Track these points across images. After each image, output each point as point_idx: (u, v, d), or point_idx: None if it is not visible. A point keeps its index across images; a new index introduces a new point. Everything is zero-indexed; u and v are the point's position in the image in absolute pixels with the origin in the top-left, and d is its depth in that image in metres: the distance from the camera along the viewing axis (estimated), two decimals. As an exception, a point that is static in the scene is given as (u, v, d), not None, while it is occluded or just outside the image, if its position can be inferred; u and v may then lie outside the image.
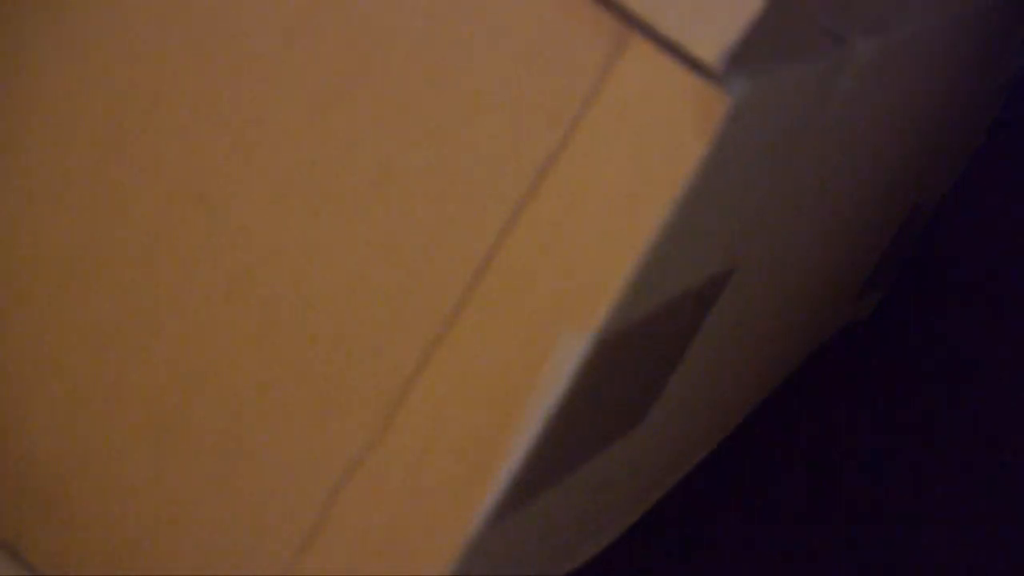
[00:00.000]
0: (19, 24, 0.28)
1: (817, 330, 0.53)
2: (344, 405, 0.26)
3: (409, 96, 0.26)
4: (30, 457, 0.28)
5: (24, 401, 0.28)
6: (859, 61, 0.32)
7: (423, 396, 0.26)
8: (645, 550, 0.59)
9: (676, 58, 0.24)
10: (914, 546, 0.59)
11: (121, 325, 0.27)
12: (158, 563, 0.27)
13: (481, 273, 0.25)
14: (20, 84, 0.28)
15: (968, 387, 0.60)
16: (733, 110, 0.24)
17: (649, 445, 0.35)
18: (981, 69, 0.52)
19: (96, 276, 0.27)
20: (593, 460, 0.30)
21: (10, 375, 0.28)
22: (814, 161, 0.34)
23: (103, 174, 0.27)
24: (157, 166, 0.27)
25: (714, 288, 0.30)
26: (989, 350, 0.60)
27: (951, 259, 0.61)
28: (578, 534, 0.35)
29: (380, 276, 0.26)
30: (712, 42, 0.24)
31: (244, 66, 0.26)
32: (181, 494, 0.27)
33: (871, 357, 0.61)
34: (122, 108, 0.27)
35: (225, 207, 0.27)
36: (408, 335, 0.26)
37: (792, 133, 0.30)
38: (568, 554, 0.35)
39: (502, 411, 0.25)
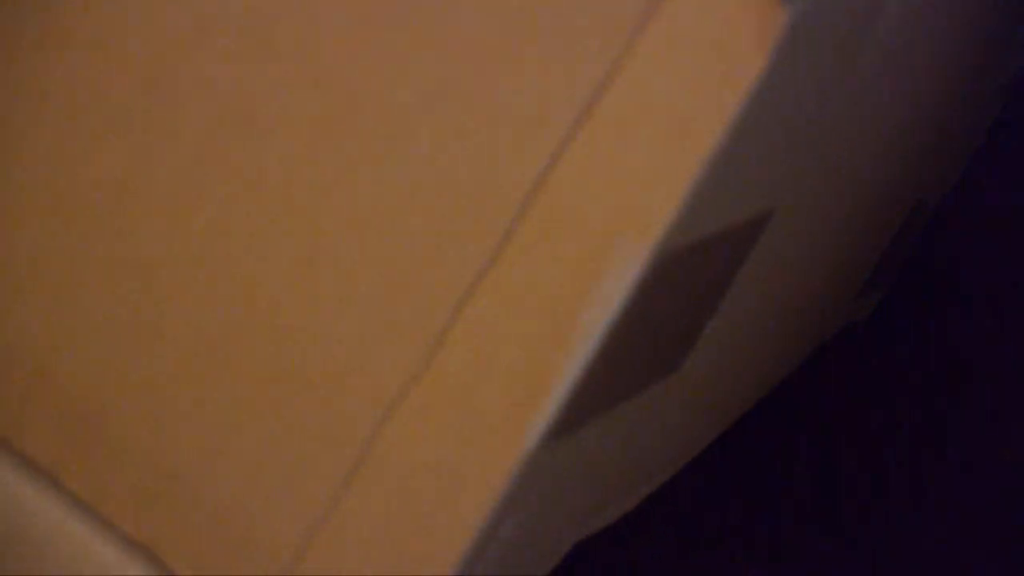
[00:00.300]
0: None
1: (821, 324, 0.53)
2: (391, 330, 0.26)
3: (459, 20, 0.26)
4: (72, 386, 0.28)
5: (66, 331, 0.28)
6: (888, 18, 0.33)
7: (473, 320, 0.26)
8: (644, 547, 0.58)
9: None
10: (914, 546, 0.59)
11: (165, 253, 0.27)
12: (199, 492, 0.27)
13: (535, 193, 0.25)
14: (60, 16, 0.28)
15: (968, 387, 0.60)
16: (790, 28, 0.24)
17: (679, 402, 0.35)
18: (981, 69, 0.53)
19: (140, 204, 0.27)
20: (632, 401, 0.30)
21: (52, 306, 0.28)
22: (842, 125, 0.34)
23: (149, 99, 0.27)
24: (205, 89, 0.27)
25: (754, 230, 0.31)
26: (989, 350, 0.60)
27: (951, 259, 0.61)
28: (608, 489, 0.35)
29: (429, 201, 0.26)
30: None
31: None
32: (223, 424, 0.27)
33: (871, 357, 0.61)
34: (165, 38, 0.27)
35: (273, 131, 0.26)
36: (459, 258, 0.26)
37: (829, 79, 0.30)
38: (597, 510, 0.35)
39: (557, 329, 0.25)
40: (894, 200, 0.50)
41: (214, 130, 0.27)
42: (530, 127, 0.25)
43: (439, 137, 0.26)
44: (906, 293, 0.61)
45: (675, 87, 0.25)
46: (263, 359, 0.26)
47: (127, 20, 0.27)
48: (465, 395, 0.25)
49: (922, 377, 0.61)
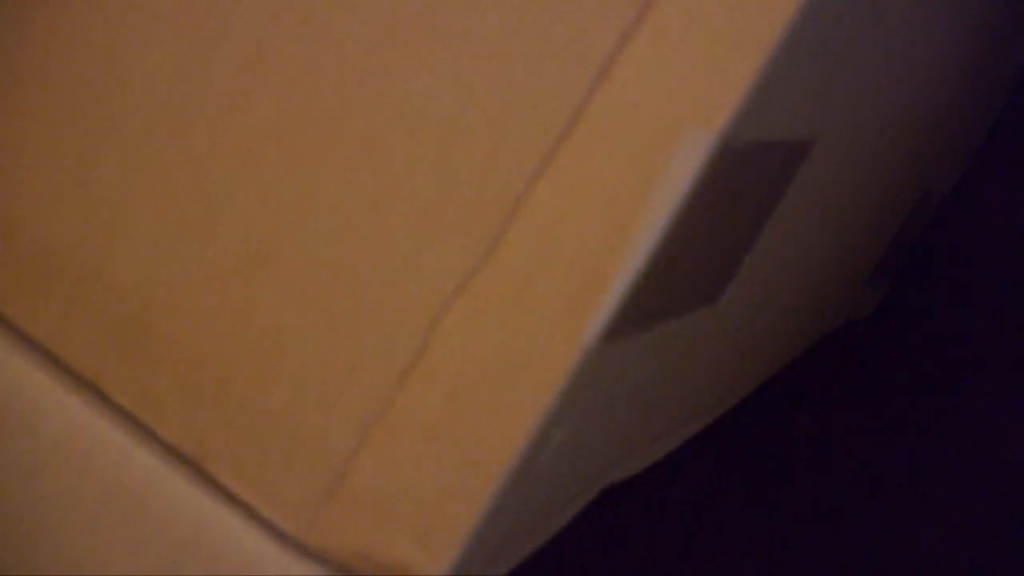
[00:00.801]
0: None
1: (826, 313, 0.53)
2: (448, 228, 0.26)
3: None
4: (118, 291, 0.27)
5: (111, 234, 0.27)
6: (891, 16, 0.33)
7: (532, 215, 0.25)
8: (645, 545, 0.58)
9: None
10: (914, 545, 0.59)
11: (217, 152, 0.27)
12: (250, 396, 0.27)
13: (596, 86, 0.25)
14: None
15: (968, 387, 0.60)
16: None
17: (712, 343, 0.35)
18: (983, 64, 0.53)
19: (193, 103, 0.27)
20: (674, 325, 0.30)
21: (100, 208, 0.27)
22: (873, 70, 0.34)
23: (198, 2, 0.27)
24: (261, -12, 0.27)
25: (798, 154, 0.31)
26: (989, 350, 0.60)
27: (951, 259, 0.61)
28: (641, 427, 0.34)
29: (487, 97, 0.26)
30: None
31: None
32: (275, 325, 0.26)
33: (871, 357, 0.61)
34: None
35: (328, 29, 0.26)
36: (518, 152, 0.25)
37: (863, 25, 0.30)
38: (627, 453, 0.35)
39: (618, 222, 0.25)
40: (903, 187, 0.50)
41: (269, 28, 0.27)
42: (590, 20, 0.25)
43: (498, 28, 0.25)
44: (906, 292, 0.62)
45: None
46: (317, 257, 0.26)
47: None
48: (524, 291, 0.25)
49: (922, 375, 0.61)
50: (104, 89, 0.27)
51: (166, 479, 0.27)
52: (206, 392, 0.27)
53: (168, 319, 0.27)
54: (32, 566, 0.27)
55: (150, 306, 0.27)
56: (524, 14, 0.25)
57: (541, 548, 0.51)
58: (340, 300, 0.26)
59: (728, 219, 0.29)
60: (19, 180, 0.28)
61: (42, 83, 0.28)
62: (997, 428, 0.60)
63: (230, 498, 0.26)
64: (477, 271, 0.25)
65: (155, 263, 0.27)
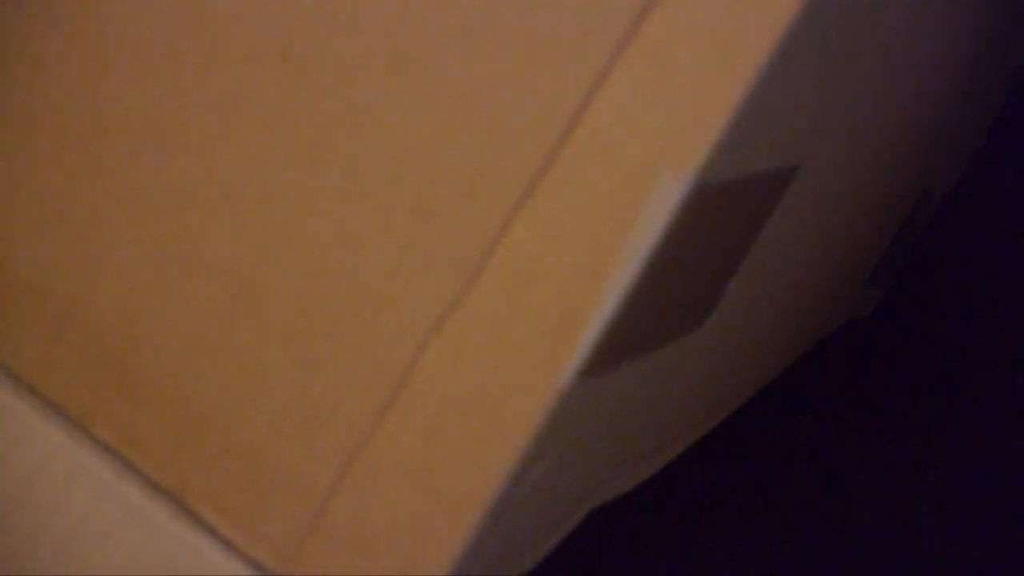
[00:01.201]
0: None
1: (824, 317, 0.53)
2: (425, 266, 0.26)
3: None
4: (100, 326, 0.27)
5: (95, 268, 0.27)
6: (890, 14, 0.33)
7: (509, 253, 0.25)
8: (645, 545, 0.58)
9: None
10: (914, 545, 0.59)
11: (198, 188, 0.27)
12: (230, 432, 0.27)
13: (573, 124, 0.25)
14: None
15: (968, 387, 0.60)
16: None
17: (698, 365, 0.35)
18: (982, 65, 0.53)
19: (173, 139, 0.27)
20: (658, 354, 0.30)
21: (82, 242, 0.27)
22: (864, 94, 0.34)
23: (181, 34, 0.27)
24: (239, 25, 0.27)
25: (780, 183, 0.30)
26: (989, 350, 0.60)
27: (951, 259, 0.61)
28: (626, 450, 0.34)
29: (464, 133, 0.26)
30: None
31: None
32: (256, 359, 0.27)
33: (871, 357, 0.61)
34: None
35: (308, 65, 0.26)
36: (495, 189, 0.25)
37: (856, 42, 0.30)
38: (614, 474, 0.35)
39: (594, 260, 0.25)
40: (902, 189, 0.50)
41: (250, 62, 0.27)
42: (568, 56, 0.25)
43: (475, 67, 0.26)
44: (906, 293, 0.61)
45: (717, 17, 0.25)
46: (296, 294, 0.26)
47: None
48: (501, 329, 0.25)
49: (922, 375, 0.61)
50: (85, 125, 0.27)
51: (146, 511, 0.27)
52: (187, 428, 0.27)
53: (149, 354, 0.27)
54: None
55: (131, 341, 0.27)
56: (501, 52, 0.25)
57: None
58: (319, 336, 0.26)
59: (710, 249, 0.29)
60: (0, 215, 0.28)
61: (23, 120, 0.28)
62: (997, 428, 0.60)
63: (211, 532, 0.27)
64: (454, 309, 0.26)
65: (136, 298, 0.27)
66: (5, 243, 0.28)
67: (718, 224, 0.28)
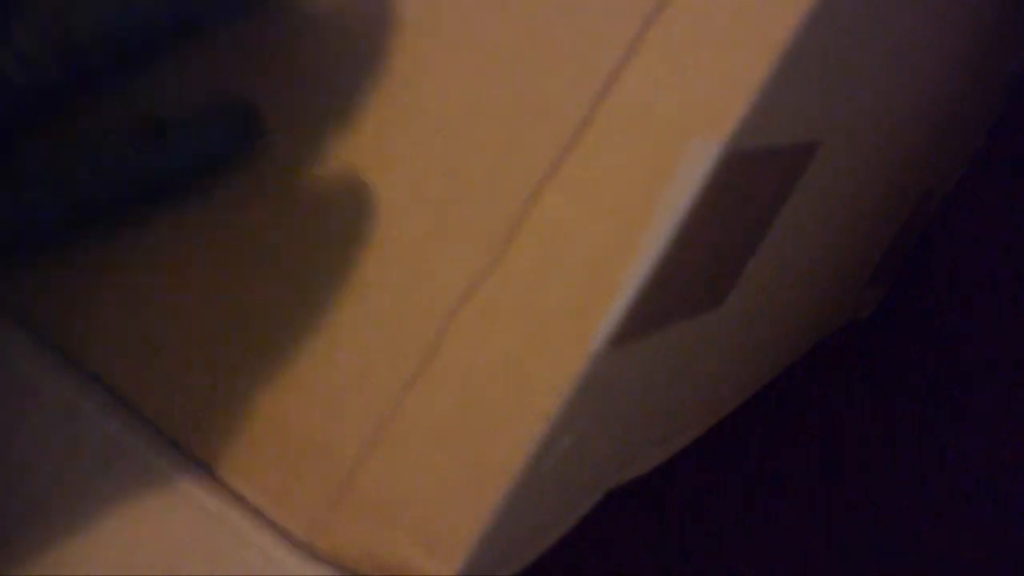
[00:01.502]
0: None
1: (827, 315, 0.53)
2: (457, 233, 0.26)
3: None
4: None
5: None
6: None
7: (541, 220, 0.25)
8: (645, 546, 0.58)
9: None
10: (914, 545, 0.59)
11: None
12: (260, 402, 0.27)
13: (605, 91, 0.25)
14: None
15: (969, 387, 0.60)
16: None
17: (715, 346, 0.35)
18: (983, 65, 0.53)
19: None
20: (679, 328, 0.30)
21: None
22: (878, 77, 0.34)
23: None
24: None
25: (802, 158, 0.31)
26: (989, 350, 0.60)
27: (951, 259, 0.61)
28: (644, 431, 0.34)
29: (499, 98, 0.26)
30: None
31: None
32: (284, 326, 0.27)
33: (871, 357, 0.61)
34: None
35: (344, 27, 0.26)
36: (527, 157, 0.25)
37: (869, 31, 0.30)
38: (631, 456, 0.35)
39: (628, 224, 0.25)
40: (904, 187, 0.50)
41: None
42: (602, 23, 0.25)
43: (509, 32, 0.26)
44: (907, 292, 0.62)
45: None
46: (326, 260, 0.26)
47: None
48: (532, 296, 0.25)
49: (922, 375, 0.61)
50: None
51: (177, 479, 0.27)
52: (218, 399, 0.27)
53: (172, 326, 0.27)
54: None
55: (161, 312, 0.27)
56: (533, 22, 0.25)
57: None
58: (349, 304, 0.26)
59: (734, 223, 0.29)
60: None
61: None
62: (997, 428, 0.60)
63: (240, 501, 0.26)
64: (486, 276, 0.26)
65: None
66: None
67: (745, 194, 0.28)
